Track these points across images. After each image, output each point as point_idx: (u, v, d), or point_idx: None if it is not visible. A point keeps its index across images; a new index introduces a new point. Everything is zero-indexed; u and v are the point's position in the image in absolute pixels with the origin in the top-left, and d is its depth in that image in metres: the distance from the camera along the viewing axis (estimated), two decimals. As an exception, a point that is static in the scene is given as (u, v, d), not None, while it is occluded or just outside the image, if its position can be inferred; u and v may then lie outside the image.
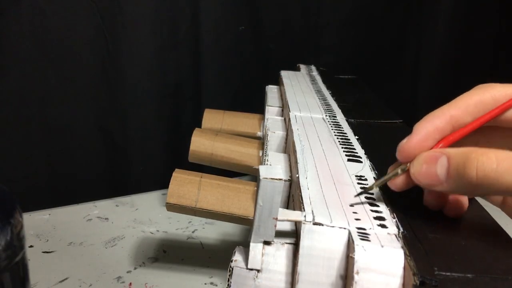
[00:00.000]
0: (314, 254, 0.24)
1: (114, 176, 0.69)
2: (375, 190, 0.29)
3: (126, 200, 0.66)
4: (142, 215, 0.62)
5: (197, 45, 0.68)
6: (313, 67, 0.66)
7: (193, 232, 0.59)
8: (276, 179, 0.25)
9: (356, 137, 0.39)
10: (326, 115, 0.44)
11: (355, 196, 0.28)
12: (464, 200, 0.27)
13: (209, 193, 0.38)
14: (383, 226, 0.25)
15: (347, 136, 0.39)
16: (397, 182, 0.27)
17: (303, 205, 0.26)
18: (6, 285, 0.25)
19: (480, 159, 0.22)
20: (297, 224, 0.27)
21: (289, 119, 0.42)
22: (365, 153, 0.35)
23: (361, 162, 0.34)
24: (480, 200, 0.30)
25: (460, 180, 0.23)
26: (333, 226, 0.24)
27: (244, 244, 0.27)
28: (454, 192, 0.25)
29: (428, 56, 0.83)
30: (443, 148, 0.26)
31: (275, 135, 0.43)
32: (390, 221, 0.26)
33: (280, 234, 0.27)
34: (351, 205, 0.27)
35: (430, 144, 0.26)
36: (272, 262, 0.26)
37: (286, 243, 0.26)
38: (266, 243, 0.26)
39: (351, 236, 0.24)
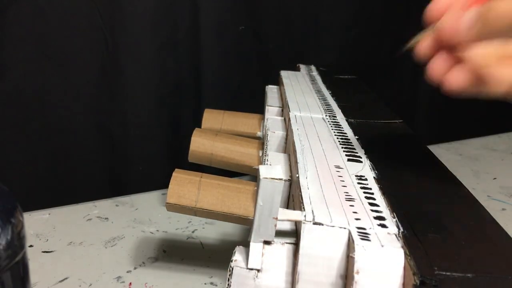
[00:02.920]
0: (314, 254, 0.24)
1: (114, 176, 0.69)
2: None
3: (126, 200, 0.66)
4: (142, 215, 0.62)
5: (197, 45, 0.68)
6: (313, 67, 0.66)
7: (193, 232, 0.59)
8: (276, 179, 0.25)
9: (356, 137, 0.39)
10: (326, 115, 0.44)
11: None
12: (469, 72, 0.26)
13: (209, 193, 0.38)
14: (383, 225, 0.25)
15: (347, 136, 0.39)
16: (423, 43, 0.28)
17: (303, 205, 0.26)
18: (6, 285, 0.25)
19: (499, 3, 0.24)
20: (297, 224, 0.27)
21: (289, 119, 0.42)
22: (365, 153, 0.35)
23: (361, 162, 0.34)
24: (482, 201, 0.30)
25: (483, 24, 0.24)
26: (333, 226, 0.24)
27: (244, 244, 0.27)
28: (478, 36, 0.25)
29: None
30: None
31: (275, 135, 0.43)
32: (390, 221, 0.26)
33: (280, 234, 0.27)
34: None
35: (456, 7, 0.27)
36: (272, 262, 0.26)
37: (286, 243, 0.26)
38: (266, 243, 0.26)
39: (351, 235, 0.24)
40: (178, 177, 0.39)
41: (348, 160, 0.34)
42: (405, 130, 0.42)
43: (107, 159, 0.68)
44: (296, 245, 0.26)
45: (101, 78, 0.64)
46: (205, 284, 0.50)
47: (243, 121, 0.54)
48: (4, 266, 0.24)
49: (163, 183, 0.66)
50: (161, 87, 0.68)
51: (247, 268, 0.26)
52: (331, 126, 0.41)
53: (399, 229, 0.25)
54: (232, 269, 0.26)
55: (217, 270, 0.51)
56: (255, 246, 0.26)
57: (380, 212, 0.27)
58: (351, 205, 0.27)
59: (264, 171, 0.26)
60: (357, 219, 0.25)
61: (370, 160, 0.34)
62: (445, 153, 0.85)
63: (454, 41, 0.26)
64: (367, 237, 0.24)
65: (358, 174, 0.31)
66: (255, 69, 0.74)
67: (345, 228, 0.24)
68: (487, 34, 0.24)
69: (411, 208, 0.28)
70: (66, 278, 0.49)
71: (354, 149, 0.36)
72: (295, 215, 0.26)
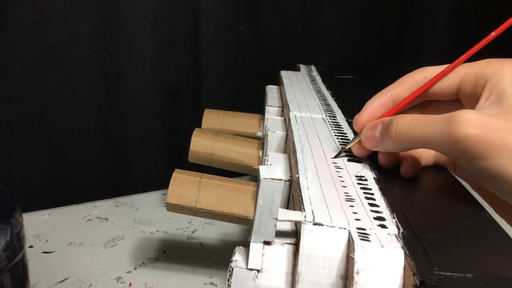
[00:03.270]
0: (314, 254, 0.24)
1: (114, 176, 0.69)
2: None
3: (126, 200, 0.66)
4: (142, 215, 0.62)
5: (197, 45, 0.68)
6: (313, 67, 0.66)
7: (193, 232, 0.59)
8: (276, 179, 0.25)
9: (356, 137, 0.39)
10: (326, 115, 0.44)
11: (332, 157, 0.34)
12: (416, 161, 0.33)
13: (209, 193, 0.38)
14: (383, 226, 0.25)
15: (347, 136, 0.39)
16: (354, 148, 0.34)
17: (303, 205, 0.26)
18: (6, 285, 0.25)
19: (398, 120, 0.29)
20: (297, 224, 0.27)
21: (289, 119, 0.42)
22: (365, 153, 0.35)
23: (361, 162, 0.34)
24: (482, 201, 0.30)
25: (386, 138, 0.30)
26: (333, 226, 0.24)
27: (244, 244, 0.27)
28: (387, 149, 0.31)
29: (428, 56, 0.83)
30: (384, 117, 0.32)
31: (275, 135, 0.42)
32: (390, 221, 0.26)
33: (280, 234, 0.27)
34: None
35: (376, 116, 0.33)
36: (272, 262, 0.26)
37: (286, 243, 0.26)
38: (266, 243, 0.26)
39: (351, 236, 0.24)
40: (178, 177, 0.39)
41: (348, 160, 0.34)
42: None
43: (107, 159, 0.68)
44: (296, 245, 0.26)
45: (101, 78, 0.64)
46: (205, 284, 0.50)
47: (243, 121, 0.54)
48: (4, 267, 0.24)
49: (163, 183, 0.66)
50: (161, 87, 0.68)
51: (247, 269, 0.26)
52: (331, 126, 0.41)
53: (399, 229, 0.25)
54: (232, 269, 0.26)
55: (217, 270, 0.51)
56: (255, 247, 0.26)
57: (380, 212, 0.27)
58: (351, 206, 0.27)
59: (264, 171, 0.26)
60: (357, 219, 0.25)
61: (370, 160, 0.34)
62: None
63: (372, 147, 0.32)
64: (367, 237, 0.24)
65: (358, 174, 0.31)
66: (255, 69, 0.74)
67: (345, 228, 0.24)
68: (395, 143, 0.30)
69: (411, 208, 0.27)
70: (66, 279, 0.49)
71: (354, 149, 0.36)
72: (295, 215, 0.26)
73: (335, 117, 0.44)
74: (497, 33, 0.31)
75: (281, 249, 0.26)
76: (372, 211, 0.27)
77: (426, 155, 0.34)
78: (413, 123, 0.28)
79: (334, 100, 0.50)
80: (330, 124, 0.42)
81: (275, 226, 0.26)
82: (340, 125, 0.41)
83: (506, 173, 0.25)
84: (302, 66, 0.66)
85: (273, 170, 0.26)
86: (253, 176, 0.54)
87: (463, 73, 0.31)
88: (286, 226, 0.28)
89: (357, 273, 0.23)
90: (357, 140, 0.33)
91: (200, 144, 0.47)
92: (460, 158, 0.27)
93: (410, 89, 0.33)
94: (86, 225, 0.59)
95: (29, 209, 0.61)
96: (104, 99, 0.65)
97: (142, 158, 0.70)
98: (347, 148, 0.34)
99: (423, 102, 0.34)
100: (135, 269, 0.51)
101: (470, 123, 0.25)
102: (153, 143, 0.70)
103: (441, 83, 0.32)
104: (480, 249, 0.24)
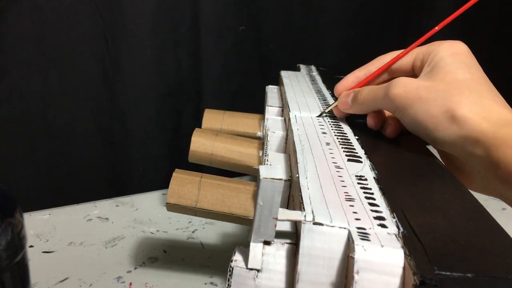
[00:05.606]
0: (314, 254, 0.24)
1: (114, 176, 0.69)
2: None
3: (126, 200, 0.66)
4: (142, 215, 0.62)
5: (197, 45, 0.68)
6: (313, 67, 0.66)
7: (193, 232, 0.59)
8: (276, 179, 0.25)
9: (356, 137, 0.39)
10: (326, 115, 0.44)
11: (317, 116, 0.43)
12: (397, 124, 0.40)
13: (209, 193, 0.38)
14: (383, 226, 0.25)
15: (347, 136, 0.39)
16: (335, 110, 0.43)
17: (303, 205, 0.26)
18: (6, 285, 0.25)
19: (362, 90, 0.40)
20: (297, 224, 0.27)
21: (289, 119, 0.42)
22: (365, 153, 0.35)
23: (361, 162, 0.34)
24: (482, 201, 0.30)
25: (355, 102, 0.40)
26: (333, 226, 0.24)
27: (244, 244, 0.27)
28: (356, 111, 0.41)
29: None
30: (356, 88, 0.43)
31: (275, 135, 0.43)
32: (390, 221, 0.26)
33: (280, 234, 0.27)
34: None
35: (351, 86, 0.43)
36: (272, 262, 0.26)
37: (286, 243, 0.26)
38: (266, 243, 0.26)
39: (351, 236, 0.24)
40: (178, 177, 0.39)
41: (348, 160, 0.34)
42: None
43: (108, 159, 0.68)
44: (296, 245, 0.26)
45: (101, 78, 0.64)
46: (205, 284, 0.50)
47: (243, 121, 0.54)
48: (4, 266, 0.24)
49: (163, 183, 0.66)
50: (161, 87, 0.68)
51: (247, 268, 0.26)
52: (331, 126, 0.41)
53: (399, 229, 0.25)
54: (232, 269, 0.26)
55: (217, 270, 0.51)
56: (255, 246, 0.26)
57: (380, 212, 0.27)
58: (351, 205, 0.27)
59: (264, 171, 0.26)
60: (357, 219, 0.25)
61: (370, 160, 0.34)
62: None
63: (344, 110, 0.42)
64: (367, 237, 0.24)
65: (358, 174, 0.31)
66: (255, 69, 0.74)
67: (345, 228, 0.24)
68: (359, 106, 0.40)
69: (411, 208, 0.28)
70: (66, 278, 0.49)
71: (354, 149, 0.36)
72: (295, 215, 0.26)
73: (335, 117, 0.44)
74: (439, 27, 0.41)
75: (281, 249, 0.26)
76: (372, 210, 0.27)
77: None
78: (370, 91, 0.39)
79: (334, 100, 0.50)
80: (330, 124, 0.42)
81: (275, 226, 0.26)
82: (340, 125, 0.41)
83: (418, 117, 0.35)
84: (302, 66, 0.66)
85: (273, 170, 0.26)
86: (253, 176, 0.54)
87: (416, 52, 0.40)
88: (286, 226, 0.28)
89: (357, 272, 0.23)
90: (334, 104, 0.43)
91: (200, 144, 0.47)
92: (395, 111, 0.36)
93: (378, 67, 0.42)
94: (86, 225, 0.59)
95: (30, 208, 0.61)
96: (104, 99, 0.65)
97: (142, 158, 0.70)
98: (326, 111, 0.43)
99: (390, 79, 0.41)
100: (135, 269, 0.51)
101: (398, 85, 0.36)
102: (153, 143, 0.70)
103: (400, 62, 0.41)
104: (480, 249, 0.24)
